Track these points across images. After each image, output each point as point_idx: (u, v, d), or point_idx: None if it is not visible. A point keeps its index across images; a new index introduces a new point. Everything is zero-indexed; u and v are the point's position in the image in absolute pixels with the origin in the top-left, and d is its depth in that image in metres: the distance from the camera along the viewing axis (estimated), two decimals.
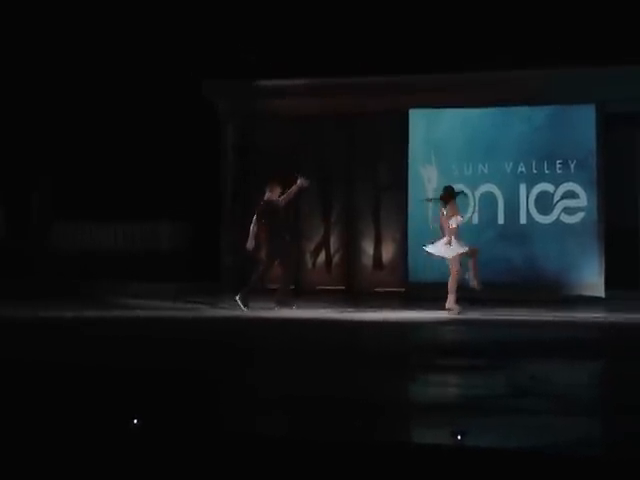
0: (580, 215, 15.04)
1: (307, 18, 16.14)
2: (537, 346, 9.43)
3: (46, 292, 15.08)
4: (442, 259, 12.65)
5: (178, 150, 17.20)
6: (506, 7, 15.23)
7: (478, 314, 12.31)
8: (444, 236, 12.50)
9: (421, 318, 12.21)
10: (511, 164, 15.34)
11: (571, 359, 8.43)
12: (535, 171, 15.23)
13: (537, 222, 15.21)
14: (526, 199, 15.24)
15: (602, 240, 14.88)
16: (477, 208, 15.28)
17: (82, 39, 17.31)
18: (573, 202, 15.08)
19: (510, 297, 13.93)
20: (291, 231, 14.47)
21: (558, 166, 15.13)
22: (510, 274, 14.86)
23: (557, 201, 15.14)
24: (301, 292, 15.56)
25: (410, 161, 15.77)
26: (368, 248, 16.56)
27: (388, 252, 16.46)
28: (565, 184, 15.11)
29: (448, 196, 12.70)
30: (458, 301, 12.36)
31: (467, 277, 12.48)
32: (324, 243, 16.81)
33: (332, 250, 16.77)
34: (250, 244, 13.13)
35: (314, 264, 16.77)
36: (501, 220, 15.37)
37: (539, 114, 15.33)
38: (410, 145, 15.78)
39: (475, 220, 15.20)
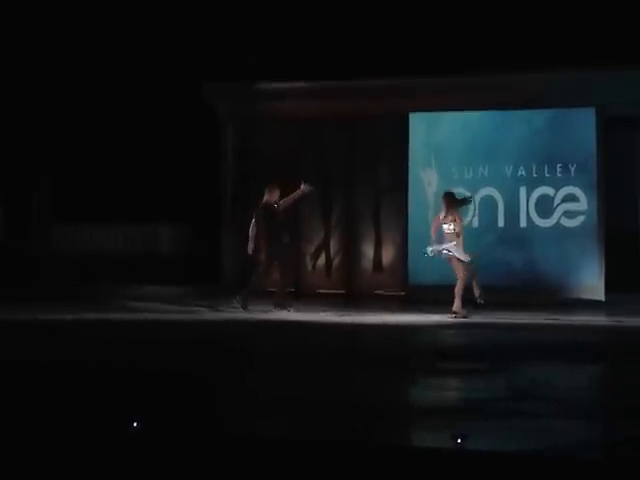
0: (580, 218, 15.03)
1: (307, 21, 16.15)
2: (537, 349, 9.42)
3: (46, 294, 15.07)
4: (446, 262, 12.65)
5: (178, 153, 17.21)
6: (506, 11, 15.24)
7: (478, 317, 12.30)
8: (444, 241, 12.52)
9: (421, 321, 12.20)
10: (511, 167, 15.33)
11: (571, 362, 8.42)
12: (535, 174, 15.22)
13: (537, 225, 15.20)
14: (526, 202, 15.23)
15: (602, 243, 14.87)
16: (477, 211, 15.27)
17: (83, 42, 17.33)
18: (573, 205, 15.07)
19: (510, 300, 13.91)
20: (291, 234, 14.46)
21: (558, 169, 15.12)
22: (510, 277, 14.85)
23: (557, 204, 15.13)
24: (301, 295, 15.56)
25: (410, 164, 15.77)
26: (368, 251, 16.55)
27: (388, 255, 16.45)
28: (565, 187, 15.10)
29: (454, 201, 12.74)
30: (464, 305, 12.39)
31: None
32: (324, 246, 16.80)
33: (332, 253, 16.77)
34: (250, 247, 13.14)
35: (314, 267, 16.76)
36: (501, 223, 15.36)
37: (539, 117, 15.33)
38: (410, 148, 15.78)
39: (475, 223, 15.19)
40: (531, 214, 15.22)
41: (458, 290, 12.37)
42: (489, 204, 15.34)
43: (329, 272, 16.71)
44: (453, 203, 12.72)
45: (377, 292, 15.96)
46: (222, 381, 7.28)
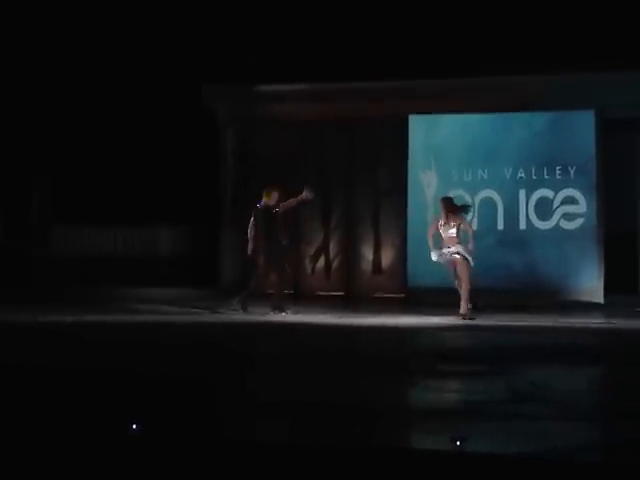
0: (579, 221, 15.04)
1: (307, 23, 16.16)
2: (537, 352, 9.42)
3: (45, 296, 15.06)
4: (446, 266, 12.69)
5: (178, 155, 17.22)
6: (505, 13, 15.26)
7: (478, 320, 12.30)
8: (445, 246, 12.56)
9: (420, 323, 12.20)
10: (511, 170, 15.34)
11: (570, 365, 8.42)
12: (535, 177, 15.23)
13: (537, 228, 15.21)
14: (526, 205, 15.24)
15: (601, 246, 14.88)
16: (477, 214, 15.27)
17: (83, 44, 17.34)
18: (572, 208, 15.07)
19: (510, 303, 13.92)
20: (290, 236, 14.47)
21: (557, 172, 15.13)
22: (510, 280, 14.86)
23: (556, 207, 15.14)
24: (300, 297, 15.56)
25: (410, 166, 15.78)
26: (367, 253, 16.56)
27: (387, 257, 16.46)
28: (564, 190, 15.11)
29: (454, 206, 12.77)
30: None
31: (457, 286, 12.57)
32: (323, 248, 16.81)
33: (331, 255, 16.77)
34: (250, 248, 13.15)
35: (313, 269, 16.77)
36: (501, 226, 15.36)
37: (539, 120, 15.34)
38: (410, 150, 15.79)
39: (475, 226, 15.18)
40: (530, 216, 15.23)
41: (464, 293, 12.40)
42: (489, 206, 15.35)
43: (328, 274, 16.72)
44: (453, 208, 12.73)
45: (376, 294, 15.96)
46: (221, 383, 7.27)
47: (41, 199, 18.68)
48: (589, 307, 14.24)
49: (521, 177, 15.29)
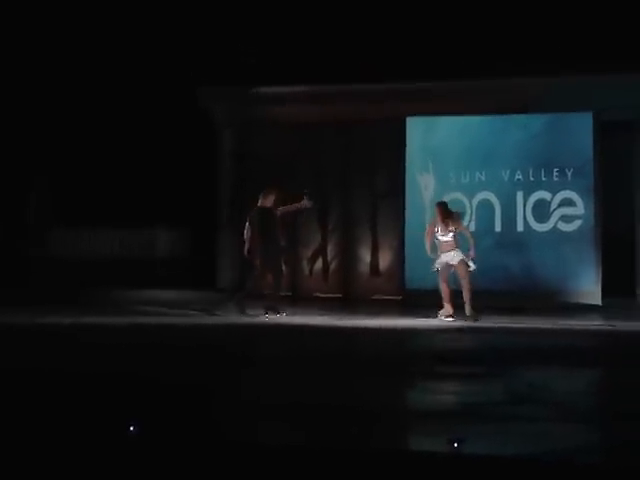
0: (577, 223, 15.04)
1: (306, 25, 16.16)
2: (534, 353, 9.43)
3: (43, 298, 15.05)
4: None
5: (175, 157, 17.22)
6: (504, 16, 15.28)
7: (470, 322, 12.31)
8: (442, 251, 12.60)
9: (418, 325, 12.20)
10: (508, 172, 15.35)
11: (568, 366, 8.42)
12: (532, 179, 15.24)
13: (534, 230, 15.22)
14: (523, 207, 15.25)
15: (599, 248, 14.89)
16: (474, 216, 15.29)
17: (80, 46, 17.34)
18: (570, 210, 15.08)
19: (507, 305, 13.93)
20: (288, 237, 14.47)
21: (555, 174, 15.14)
22: (507, 282, 14.86)
23: (554, 209, 15.14)
24: (298, 299, 15.56)
25: (407, 168, 15.78)
26: (365, 255, 16.56)
27: (385, 259, 16.45)
28: (562, 192, 15.12)
29: (449, 212, 12.78)
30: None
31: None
32: (321, 250, 16.81)
33: (329, 257, 16.77)
34: (246, 250, 13.15)
35: (311, 271, 16.76)
36: (498, 228, 15.37)
37: (536, 122, 15.35)
38: (407, 152, 15.79)
39: (472, 228, 15.19)
40: (528, 218, 15.24)
41: (466, 295, 12.45)
42: (486, 209, 15.35)
43: (326, 276, 16.72)
44: (448, 213, 12.74)
45: (374, 297, 15.96)
46: (219, 385, 7.26)
47: (39, 200, 18.68)
48: (587, 309, 14.25)
49: (519, 179, 15.30)
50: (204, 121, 16.97)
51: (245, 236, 13.16)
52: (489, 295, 13.65)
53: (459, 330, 11.61)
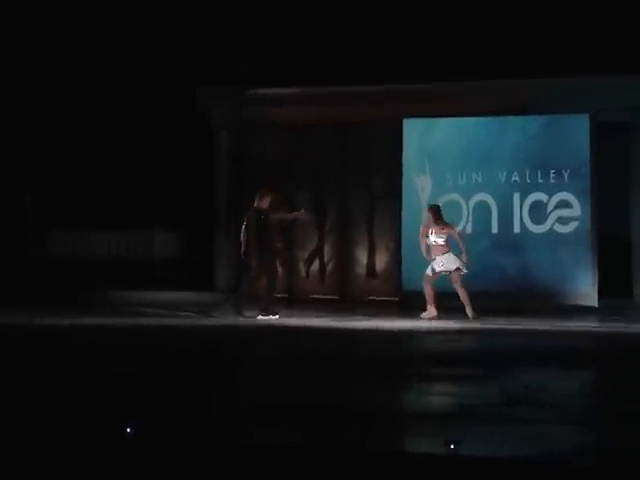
0: (573, 225, 15.04)
1: (303, 26, 16.17)
2: (531, 355, 9.44)
3: (43, 299, 15.04)
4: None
5: (173, 158, 17.22)
6: (502, 17, 15.30)
7: (473, 323, 12.32)
8: (434, 254, 12.69)
9: (415, 327, 12.21)
10: (505, 173, 15.33)
11: (565, 368, 8.43)
12: (529, 180, 15.23)
13: (531, 231, 15.21)
14: (520, 208, 15.23)
15: (595, 249, 14.89)
16: (471, 217, 15.29)
17: (78, 47, 17.34)
18: (567, 212, 15.07)
19: (504, 306, 13.93)
20: (284, 239, 14.47)
21: (552, 175, 15.13)
22: (504, 283, 14.86)
23: (551, 211, 15.14)
24: (294, 300, 15.56)
25: (404, 170, 15.77)
26: (362, 257, 16.54)
27: (382, 261, 16.44)
28: (559, 194, 15.11)
29: (441, 216, 12.92)
30: (475, 309, 12.51)
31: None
32: (318, 251, 16.79)
33: (326, 258, 16.76)
34: (242, 251, 13.16)
35: (308, 272, 16.75)
36: (495, 229, 15.36)
37: (533, 123, 15.34)
38: (404, 154, 15.78)
39: (469, 229, 15.21)
40: (525, 220, 15.22)
41: (463, 297, 12.60)
42: (483, 210, 15.34)
43: (323, 277, 16.70)
44: (441, 216, 12.90)
45: (371, 298, 15.96)
46: (216, 386, 7.27)
47: (38, 201, 18.67)
48: (583, 310, 14.25)
49: (515, 181, 15.29)
50: (201, 122, 16.97)
51: (242, 238, 13.17)
52: (486, 296, 13.65)
53: (458, 332, 11.63)
